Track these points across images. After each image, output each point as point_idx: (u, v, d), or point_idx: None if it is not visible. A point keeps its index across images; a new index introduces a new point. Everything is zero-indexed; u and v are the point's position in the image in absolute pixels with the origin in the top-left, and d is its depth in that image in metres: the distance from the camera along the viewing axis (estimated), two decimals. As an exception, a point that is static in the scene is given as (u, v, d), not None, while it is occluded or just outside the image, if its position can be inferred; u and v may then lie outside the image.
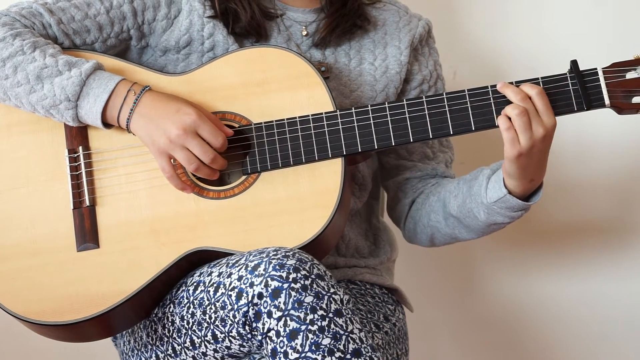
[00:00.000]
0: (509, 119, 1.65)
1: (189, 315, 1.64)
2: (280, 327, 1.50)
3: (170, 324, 1.68)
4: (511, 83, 1.69)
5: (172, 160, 1.68)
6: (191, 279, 1.67)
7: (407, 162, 1.93)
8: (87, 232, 1.70)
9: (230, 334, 1.57)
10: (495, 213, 1.74)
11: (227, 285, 1.57)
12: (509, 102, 1.68)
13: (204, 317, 1.61)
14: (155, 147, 1.67)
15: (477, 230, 1.82)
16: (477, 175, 1.79)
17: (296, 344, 1.49)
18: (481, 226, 1.80)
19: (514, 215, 1.75)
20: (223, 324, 1.57)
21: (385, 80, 1.88)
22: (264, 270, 1.52)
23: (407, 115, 1.71)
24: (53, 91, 1.67)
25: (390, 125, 1.71)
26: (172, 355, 1.69)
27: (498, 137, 1.69)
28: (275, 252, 1.55)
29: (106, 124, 1.70)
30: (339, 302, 1.52)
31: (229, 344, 1.60)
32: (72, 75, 1.67)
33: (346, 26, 1.88)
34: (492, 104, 1.70)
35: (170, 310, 1.68)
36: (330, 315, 1.50)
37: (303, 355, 1.48)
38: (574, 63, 1.69)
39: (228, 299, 1.56)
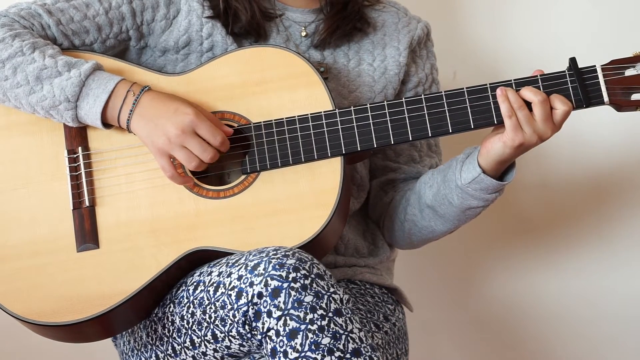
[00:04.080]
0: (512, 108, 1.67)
1: (189, 315, 1.64)
2: (280, 326, 1.50)
3: (170, 323, 1.68)
4: (509, 81, 1.69)
5: (172, 159, 1.68)
6: (191, 278, 1.67)
7: (393, 163, 1.93)
8: (87, 233, 1.70)
9: (230, 333, 1.57)
10: (469, 196, 1.74)
11: (227, 285, 1.57)
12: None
13: (204, 317, 1.61)
14: (155, 147, 1.67)
15: (453, 218, 1.81)
16: (450, 164, 1.80)
17: (296, 343, 1.49)
18: (456, 212, 1.79)
19: (488, 198, 1.75)
20: (223, 323, 1.57)
21: (383, 81, 1.89)
22: (264, 269, 1.52)
23: (406, 115, 1.72)
24: (52, 92, 1.68)
25: (389, 124, 1.71)
26: (172, 355, 1.69)
27: (498, 137, 1.69)
28: (275, 252, 1.55)
29: (106, 124, 1.71)
30: (338, 301, 1.52)
31: (228, 344, 1.60)
32: (71, 76, 1.67)
33: (346, 29, 1.88)
34: (491, 102, 1.70)
35: (170, 310, 1.68)
36: (330, 314, 1.50)
37: (303, 354, 1.48)
38: (573, 61, 1.69)
39: (228, 299, 1.56)
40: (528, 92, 1.68)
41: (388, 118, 1.72)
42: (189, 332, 1.64)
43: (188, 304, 1.64)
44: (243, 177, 1.72)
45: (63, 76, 1.68)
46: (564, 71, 1.70)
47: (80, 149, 1.73)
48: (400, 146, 1.92)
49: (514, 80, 1.70)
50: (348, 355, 1.49)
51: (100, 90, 1.67)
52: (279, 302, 1.50)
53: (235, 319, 1.55)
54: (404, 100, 1.72)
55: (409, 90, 1.92)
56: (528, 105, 1.68)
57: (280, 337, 1.50)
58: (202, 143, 1.66)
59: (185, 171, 1.72)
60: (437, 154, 1.97)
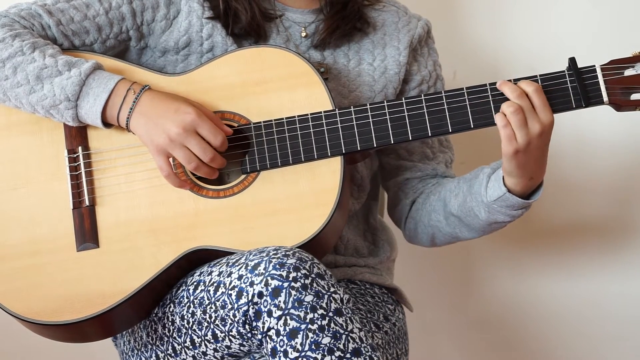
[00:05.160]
0: (506, 116, 1.66)
1: (189, 315, 1.64)
2: (280, 326, 1.50)
3: (170, 323, 1.68)
4: (509, 81, 1.69)
5: (171, 159, 1.68)
6: (191, 278, 1.67)
7: (407, 162, 1.93)
8: (87, 232, 1.70)
9: (231, 333, 1.57)
10: (495, 212, 1.74)
11: (227, 285, 1.57)
12: (507, 100, 1.68)
13: (204, 317, 1.61)
14: (154, 146, 1.67)
15: (478, 229, 1.82)
16: (477, 174, 1.79)
17: (296, 343, 1.49)
18: (482, 225, 1.80)
19: (514, 214, 1.75)
20: (223, 323, 1.57)
21: (384, 81, 1.88)
22: (264, 269, 1.52)
23: (405, 114, 1.72)
24: (53, 91, 1.68)
25: (389, 124, 1.72)
26: (172, 355, 1.69)
27: (499, 137, 1.69)
28: (275, 251, 1.55)
29: (106, 124, 1.71)
30: (339, 301, 1.52)
31: (229, 344, 1.60)
32: (71, 75, 1.67)
33: (346, 29, 1.88)
34: (491, 101, 1.70)
35: (171, 309, 1.68)
36: (330, 314, 1.50)
37: (303, 354, 1.48)
38: (572, 60, 1.69)
39: (228, 298, 1.56)
40: (506, 89, 1.68)
41: (388, 117, 1.72)
42: (189, 332, 1.64)
43: (188, 304, 1.64)
44: (243, 176, 1.72)
45: (63, 75, 1.68)
46: (564, 71, 1.70)
47: (80, 148, 1.74)
48: (412, 144, 1.92)
49: (514, 80, 1.70)
50: (348, 355, 1.49)
51: (101, 90, 1.67)
52: (279, 301, 1.50)
53: (236, 319, 1.55)
54: (403, 100, 1.72)
55: (412, 89, 1.92)
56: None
57: (281, 337, 1.50)
58: (203, 143, 1.66)
59: (186, 172, 1.72)
60: (449, 149, 1.97)
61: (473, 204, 1.77)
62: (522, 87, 1.67)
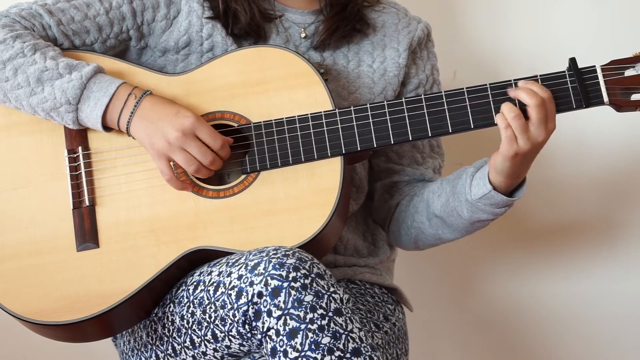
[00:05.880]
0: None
1: (189, 315, 1.64)
2: (280, 326, 1.50)
3: (170, 323, 1.68)
4: (509, 81, 1.69)
5: (171, 162, 1.68)
6: (191, 278, 1.67)
7: (396, 165, 1.93)
8: (87, 232, 1.70)
9: (230, 333, 1.57)
10: (478, 210, 1.74)
11: (227, 285, 1.57)
12: (507, 101, 1.68)
13: (204, 317, 1.61)
14: (155, 150, 1.67)
15: (461, 229, 1.82)
16: (460, 175, 1.79)
17: (296, 342, 1.49)
18: (465, 224, 1.79)
19: (497, 212, 1.75)
20: (223, 323, 1.57)
21: (383, 83, 1.88)
22: (264, 269, 1.52)
23: (406, 114, 1.72)
24: (53, 94, 1.68)
25: (389, 124, 1.72)
26: (172, 354, 1.69)
27: (497, 137, 1.69)
28: (275, 251, 1.55)
29: (106, 127, 1.71)
30: (338, 301, 1.52)
31: (228, 343, 1.60)
32: (72, 79, 1.67)
33: (346, 30, 1.88)
34: (491, 102, 1.70)
35: (170, 309, 1.68)
36: (330, 314, 1.50)
37: (303, 354, 1.48)
38: (573, 61, 1.70)
39: (228, 298, 1.56)
40: (524, 95, 1.67)
41: (388, 117, 1.72)
42: (189, 332, 1.64)
43: (188, 304, 1.64)
44: (243, 176, 1.72)
45: (64, 78, 1.68)
46: (564, 71, 1.70)
47: (80, 148, 1.74)
48: (403, 148, 1.92)
49: (514, 80, 1.70)
50: (348, 355, 1.49)
51: (102, 94, 1.67)
52: (279, 301, 1.50)
53: (235, 319, 1.55)
54: (403, 100, 1.72)
55: (409, 92, 1.92)
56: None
57: (280, 337, 1.50)
58: (202, 146, 1.66)
59: (186, 173, 1.72)
60: (440, 155, 1.97)
61: (456, 204, 1.77)
62: (540, 94, 1.66)
